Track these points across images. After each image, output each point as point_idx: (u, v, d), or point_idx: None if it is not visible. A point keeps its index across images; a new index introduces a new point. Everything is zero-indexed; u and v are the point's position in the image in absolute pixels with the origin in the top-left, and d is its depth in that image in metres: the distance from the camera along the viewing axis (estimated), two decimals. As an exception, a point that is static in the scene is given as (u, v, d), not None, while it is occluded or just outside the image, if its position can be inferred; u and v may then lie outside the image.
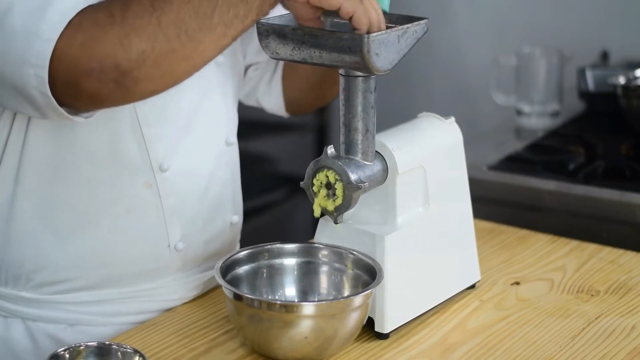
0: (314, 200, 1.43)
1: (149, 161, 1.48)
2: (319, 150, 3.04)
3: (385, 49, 1.33)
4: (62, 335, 1.50)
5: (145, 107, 1.46)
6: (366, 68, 1.33)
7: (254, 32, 1.43)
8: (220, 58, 1.57)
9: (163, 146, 1.49)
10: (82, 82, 1.26)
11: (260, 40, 1.38)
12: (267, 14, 1.32)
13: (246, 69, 1.70)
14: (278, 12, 1.41)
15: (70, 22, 1.26)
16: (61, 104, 1.30)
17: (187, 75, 1.31)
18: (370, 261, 1.43)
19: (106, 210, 1.48)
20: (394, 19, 1.41)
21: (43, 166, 1.45)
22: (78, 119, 1.34)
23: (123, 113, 1.45)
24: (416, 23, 1.38)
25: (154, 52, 1.25)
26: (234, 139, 1.61)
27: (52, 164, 1.45)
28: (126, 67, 1.25)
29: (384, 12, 1.39)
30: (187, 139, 1.52)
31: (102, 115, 1.42)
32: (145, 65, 1.26)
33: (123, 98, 1.30)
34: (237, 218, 1.63)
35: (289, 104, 1.75)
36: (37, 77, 1.26)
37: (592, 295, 1.60)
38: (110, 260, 1.49)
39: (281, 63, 1.71)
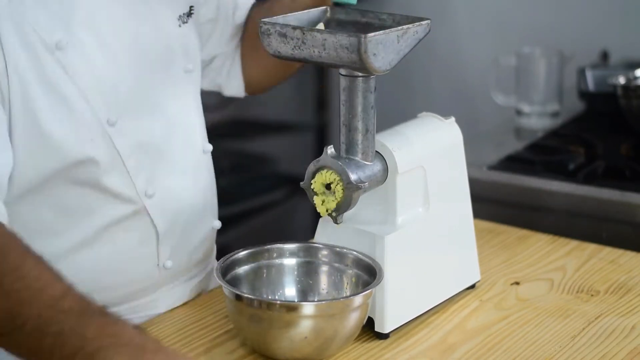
0: (313, 201, 1.43)
1: (134, 190, 1.47)
2: (319, 150, 3.04)
3: (384, 49, 1.33)
4: None
5: (123, 139, 1.45)
6: (364, 68, 1.34)
7: (214, 27, 1.46)
8: (189, 65, 1.56)
9: (145, 173, 1.48)
10: None
11: (262, 39, 1.39)
12: None
13: (211, 60, 1.70)
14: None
15: None
16: None
17: None
18: (370, 261, 1.43)
19: (94, 238, 1.46)
20: (397, 19, 1.41)
21: (27, 195, 1.41)
22: None
23: (105, 150, 1.43)
24: (417, 24, 1.38)
25: None
26: (208, 145, 1.60)
27: (38, 191, 1.42)
28: None
29: (371, 12, 1.38)
30: (166, 159, 1.51)
31: (91, 156, 1.41)
32: None
33: None
34: (218, 223, 1.63)
35: (248, 85, 1.74)
36: None
37: (592, 295, 1.60)
38: (98, 286, 1.46)
39: (239, 49, 1.71)
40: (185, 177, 1.54)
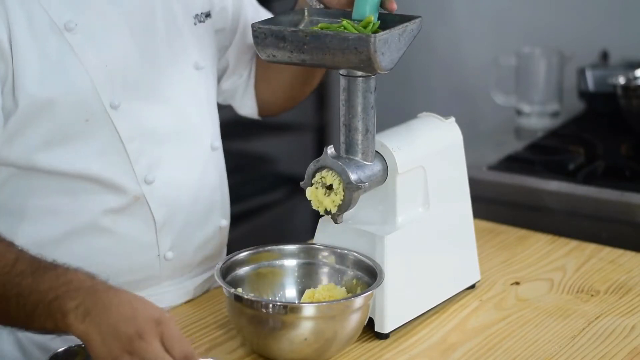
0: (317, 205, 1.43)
1: (134, 175, 1.48)
2: (319, 150, 3.04)
3: (389, 48, 1.34)
4: (51, 345, 1.49)
5: (125, 123, 1.47)
6: (371, 67, 1.34)
7: (227, 39, 1.46)
8: (200, 62, 1.57)
9: (146, 159, 1.49)
10: None
11: (256, 43, 1.38)
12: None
13: (219, 79, 1.70)
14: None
15: None
16: None
17: None
18: (370, 262, 1.43)
19: (94, 223, 1.48)
20: (388, 19, 1.41)
21: (27, 179, 1.45)
22: None
23: (104, 132, 1.46)
24: (413, 22, 1.39)
25: None
26: (218, 142, 1.61)
27: (38, 176, 1.44)
28: None
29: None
30: (171, 149, 1.52)
31: (85, 136, 1.44)
32: None
33: None
34: (226, 222, 1.63)
35: (261, 107, 1.75)
36: None
37: (592, 295, 1.60)
38: (99, 271, 1.49)
39: (253, 70, 1.71)
40: (190, 170, 1.55)
